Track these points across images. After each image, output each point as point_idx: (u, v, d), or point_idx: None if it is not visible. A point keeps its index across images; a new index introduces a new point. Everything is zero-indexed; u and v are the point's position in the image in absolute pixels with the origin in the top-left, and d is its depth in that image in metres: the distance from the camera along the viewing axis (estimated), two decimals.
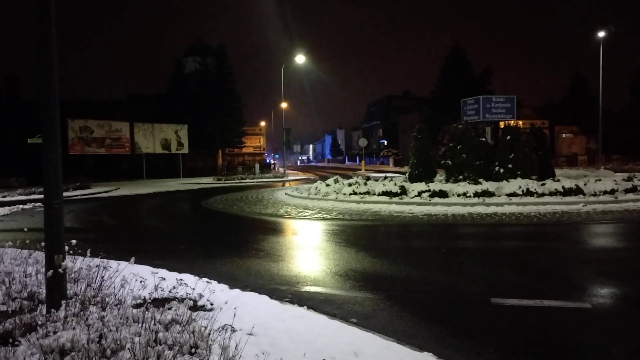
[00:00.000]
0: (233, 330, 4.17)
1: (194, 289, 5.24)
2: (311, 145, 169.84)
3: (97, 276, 5.36)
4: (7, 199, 22.02)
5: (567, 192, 15.28)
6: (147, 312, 4.14)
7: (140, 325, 3.93)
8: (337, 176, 21.76)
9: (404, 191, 16.54)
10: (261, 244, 9.91)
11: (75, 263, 5.69)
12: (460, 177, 17.72)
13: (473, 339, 4.59)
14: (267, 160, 64.21)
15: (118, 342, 3.61)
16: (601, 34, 34.80)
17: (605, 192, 15.32)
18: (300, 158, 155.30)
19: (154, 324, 3.98)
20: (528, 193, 15.29)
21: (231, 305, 5.00)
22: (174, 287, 5.13)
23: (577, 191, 15.29)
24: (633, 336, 4.63)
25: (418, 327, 4.94)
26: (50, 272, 4.39)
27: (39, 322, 4.11)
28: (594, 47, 35.60)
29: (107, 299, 4.77)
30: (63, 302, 4.31)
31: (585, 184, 15.68)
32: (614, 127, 45.64)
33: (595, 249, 9.38)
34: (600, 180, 16.30)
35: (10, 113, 38.89)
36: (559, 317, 5.12)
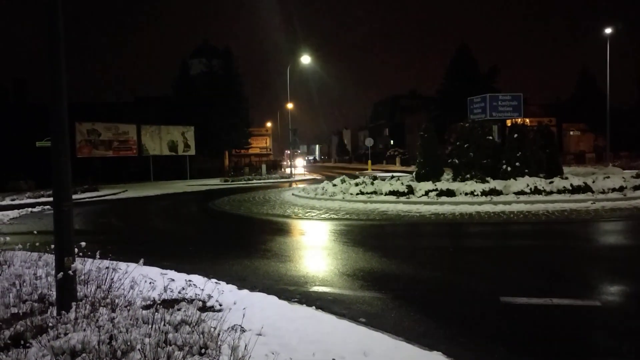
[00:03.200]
0: (242, 331, 4.18)
1: (203, 289, 5.25)
2: (317, 146, 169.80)
3: (106, 278, 5.39)
4: (17, 202, 22.17)
5: (575, 189, 15.19)
6: (156, 313, 4.16)
7: (150, 326, 3.95)
8: (344, 176, 21.75)
9: (411, 190, 16.51)
10: (269, 244, 9.93)
11: (84, 265, 5.71)
12: (468, 175, 17.65)
13: (483, 338, 4.57)
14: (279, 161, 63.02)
15: (128, 343, 3.62)
16: (608, 31, 34.58)
17: (613, 190, 15.22)
18: (306, 158, 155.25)
19: (164, 325, 3.99)
20: (536, 191, 15.21)
21: (240, 306, 5.01)
22: (183, 288, 5.15)
23: (585, 189, 15.20)
24: None
25: (427, 326, 4.93)
26: (60, 274, 4.41)
27: (50, 324, 4.14)
28: (602, 44, 35.39)
29: (116, 301, 4.80)
30: (73, 303, 4.33)
31: (593, 182, 15.59)
32: (623, 124, 45.30)
33: (604, 246, 9.32)
34: (608, 177, 16.21)
35: (18, 116, 39.15)
36: (568, 316, 5.09)
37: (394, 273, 7.27)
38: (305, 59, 38.01)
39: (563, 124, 54.54)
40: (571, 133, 55.42)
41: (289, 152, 71.10)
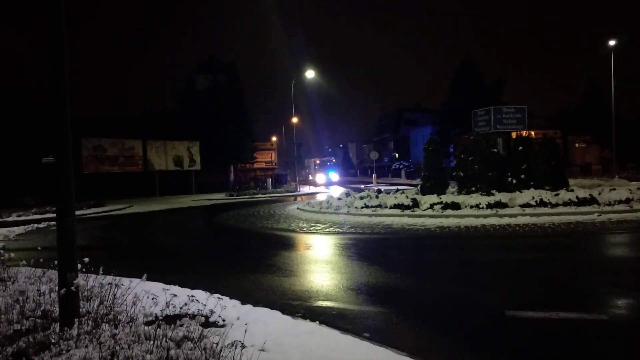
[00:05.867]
0: (244, 347, 4.14)
1: (205, 305, 5.23)
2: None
3: (109, 294, 5.37)
4: (22, 218, 22.24)
5: (581, 202, 15.11)
6: (158, 329, 4.14)
7: (152, 342, 3.93)
8: (349, 189, 21.73)
9: (416, 204, 16.47)
10: (273, 259, 9.90)
11: (87, 281, 5.71)
12: (473, 188, 17.60)
13: (488, 352, 4.52)
14: (284, 175, 63.02)
15: None
16: (613, 42, 34.66)
17: (620, 202, 15.13)
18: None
19: (166, 341, 3.97)
20: (542, 204, 15.14)
21: (243, 321, 4.99)
22: (186, 304, 5.12)
23: (591, 201, 15.12)
24: None
25: (432, 341, 4.88)
26: (63, 291, 4.41)
27: (53, 341, 4.12)
28: (608, 54, 35.44)
29: (119, 317, 4.78)
30: (76, 320, 4.32)
31: (599, 194, 15.50)
32: (629, 135, 45.10)
33: (611, 259, 9.23)
34: (614, 189, 16.11)
35: (25, 131, 39.40)
36: (575, 329, 5.03)
37: (399, 287, 7.22)
38: (310, 74, 38.31)
39: (568, 136, 54.38)
40: (577, 145, 55.22)
41: (318, 163, 70.95)
